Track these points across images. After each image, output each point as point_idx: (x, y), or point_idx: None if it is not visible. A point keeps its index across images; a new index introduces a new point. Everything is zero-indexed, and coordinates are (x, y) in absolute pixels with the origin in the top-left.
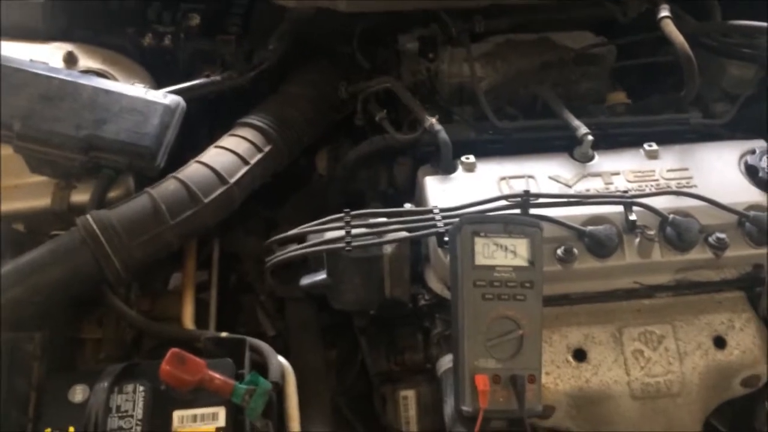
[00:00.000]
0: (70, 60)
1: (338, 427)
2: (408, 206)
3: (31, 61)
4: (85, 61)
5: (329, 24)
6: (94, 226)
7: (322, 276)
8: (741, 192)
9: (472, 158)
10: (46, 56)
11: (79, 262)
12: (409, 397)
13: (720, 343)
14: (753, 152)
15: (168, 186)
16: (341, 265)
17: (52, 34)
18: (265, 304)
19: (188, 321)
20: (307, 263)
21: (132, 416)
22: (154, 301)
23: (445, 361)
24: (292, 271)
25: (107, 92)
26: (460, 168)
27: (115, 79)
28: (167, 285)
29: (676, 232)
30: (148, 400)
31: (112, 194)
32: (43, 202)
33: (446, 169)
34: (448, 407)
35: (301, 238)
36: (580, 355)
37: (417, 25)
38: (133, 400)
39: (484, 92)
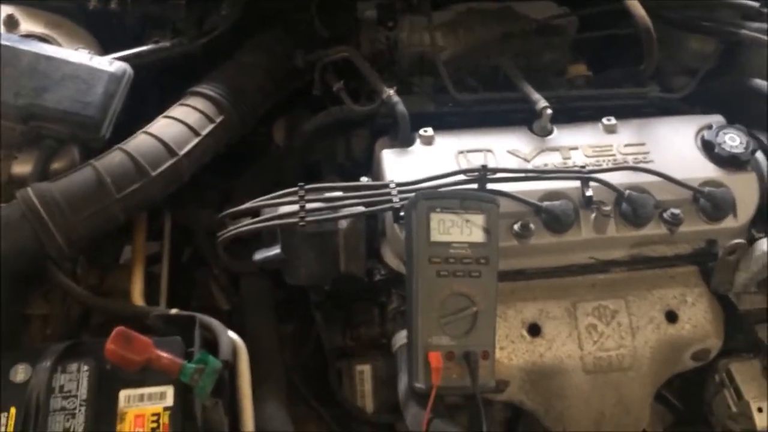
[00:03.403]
0: (11, 23)
1: (293, 403)
2: (364, 180)
3: None
4: (26, 25)
5: None
6: (35, 200)
7: (275, 251)
8: (697, 167)
9: (430, 131)
10: None
11: (19, 237)
12: (364, 371)
13: (672, 317)
14: (710, 128)
15: (113, 158)
16: (295, 241)
17: None
18: (219, 278)
19: (137, 296)
20: (261, 237)
21: (76, 396)
22: (102, 276)
23: (401, 337)
24: (246, 245)
25: (49, 58)
26: (418, 141)
27: (58, 44)
28: (118, 258)
29: (631, 207)
30: (93, 379)
31: (56, 166)
32: None
33: (404, 141)
34: (402, 383)
35: (254, 212)
36: (534, 329)
37: None
38: (77, 379)
39: (444, 63)
